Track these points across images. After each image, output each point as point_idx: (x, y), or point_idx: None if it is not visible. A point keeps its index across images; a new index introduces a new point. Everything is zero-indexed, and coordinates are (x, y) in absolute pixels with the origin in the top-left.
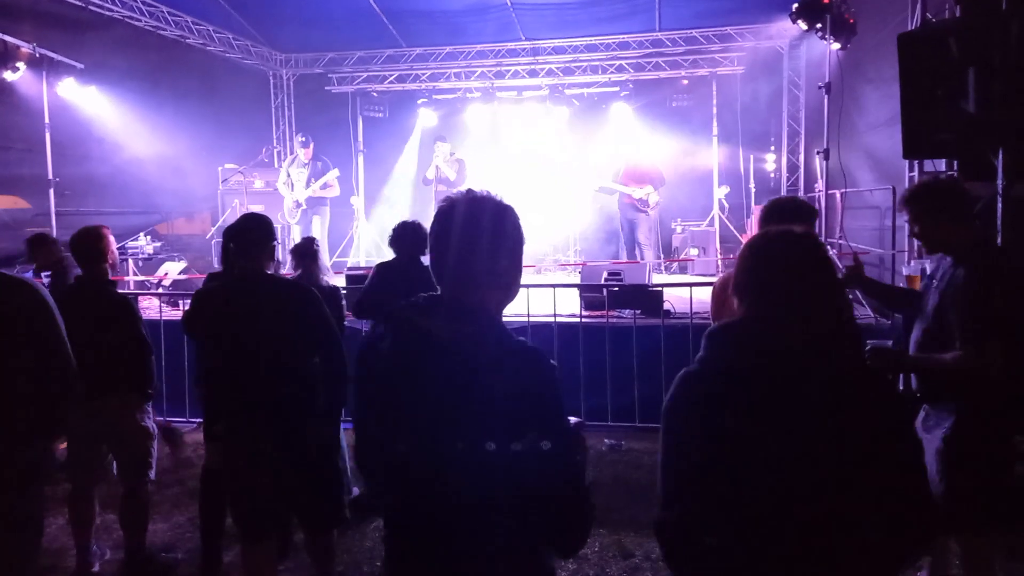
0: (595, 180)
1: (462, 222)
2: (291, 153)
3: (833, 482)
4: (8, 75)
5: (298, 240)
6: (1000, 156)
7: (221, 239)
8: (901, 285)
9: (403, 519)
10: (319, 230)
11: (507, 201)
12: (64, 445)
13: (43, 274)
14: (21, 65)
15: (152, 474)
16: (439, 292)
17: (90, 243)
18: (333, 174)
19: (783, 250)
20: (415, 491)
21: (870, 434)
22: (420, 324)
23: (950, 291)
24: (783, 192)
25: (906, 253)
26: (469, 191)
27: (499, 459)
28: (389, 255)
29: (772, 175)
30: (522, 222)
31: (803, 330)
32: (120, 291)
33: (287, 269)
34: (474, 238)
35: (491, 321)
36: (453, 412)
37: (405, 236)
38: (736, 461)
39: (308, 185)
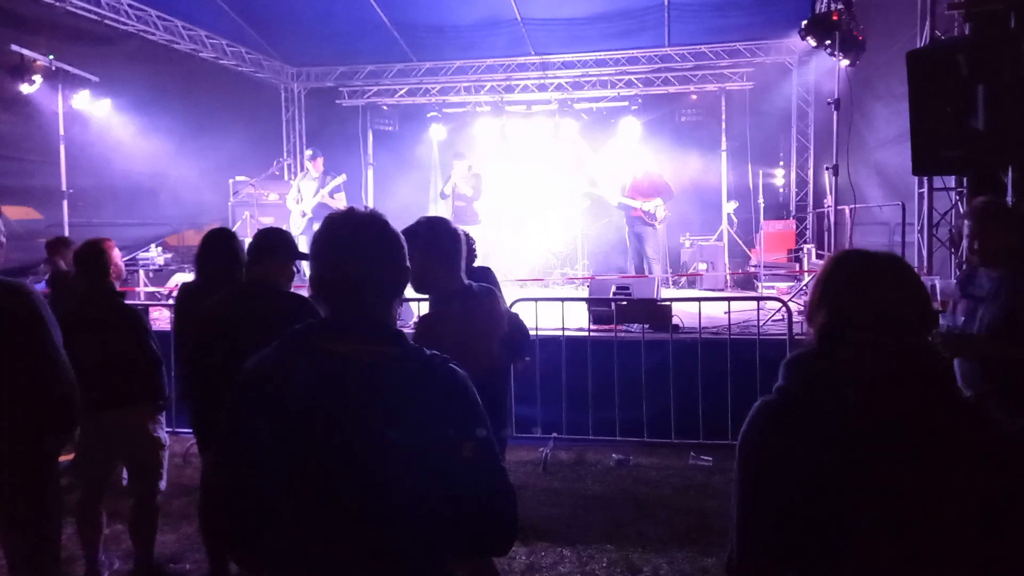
0: (610, 196)
1: (354, 243)
2: (302, 170)
3: (922, 521)
4: (25, 88)
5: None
6: (1009, 173)
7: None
8: None
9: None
10: None
11: (377, 211)
12: (71, 456)
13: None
14: (37, 78)
15: (163, 484)
16: (331, 314)
17: (93, 257)
18: (340, 179)
19: (867, 272)
20: (337, 522)
21: (965, 470)
22: (335, 350)
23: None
24: (792, 208)
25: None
26: (349, 209)
27: (432, 470)
28: None
29: (781, 190)
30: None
31: (888, 358)
32: (129, 302)
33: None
34: (371, 256)
35: (404, 338)
36: (384, 432)
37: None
38: (817, 499)
39: (316, 193)
